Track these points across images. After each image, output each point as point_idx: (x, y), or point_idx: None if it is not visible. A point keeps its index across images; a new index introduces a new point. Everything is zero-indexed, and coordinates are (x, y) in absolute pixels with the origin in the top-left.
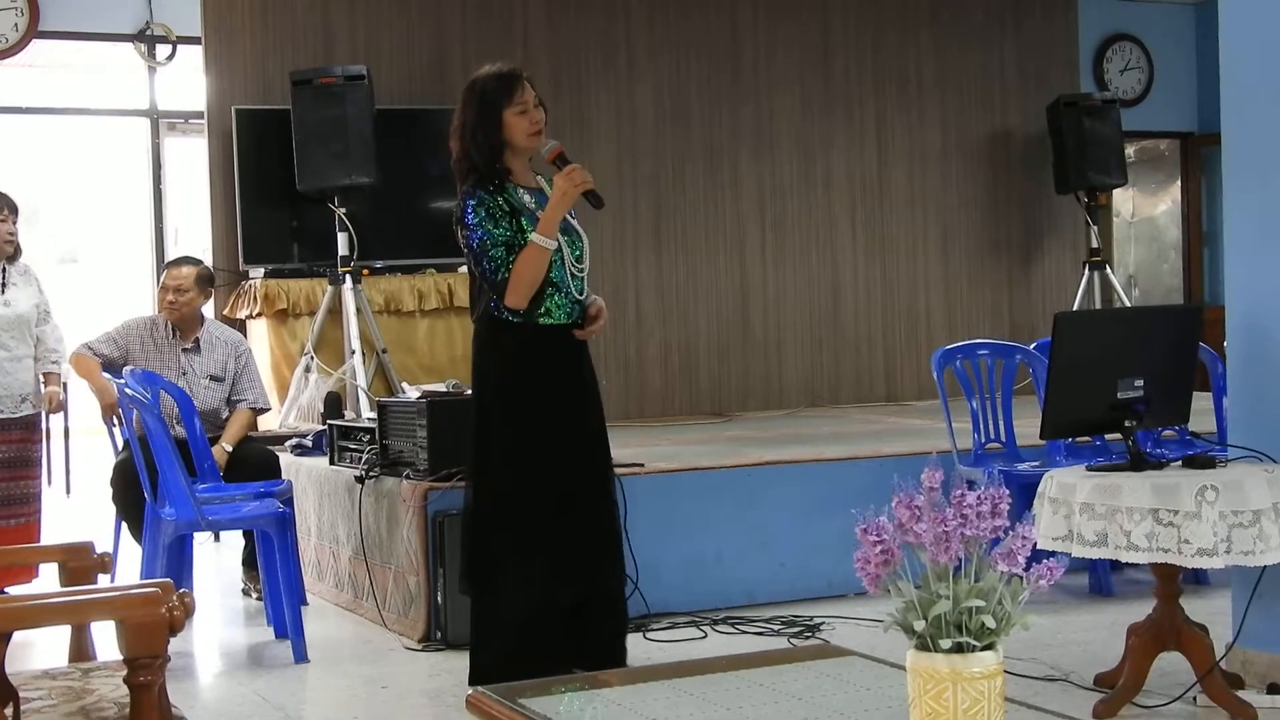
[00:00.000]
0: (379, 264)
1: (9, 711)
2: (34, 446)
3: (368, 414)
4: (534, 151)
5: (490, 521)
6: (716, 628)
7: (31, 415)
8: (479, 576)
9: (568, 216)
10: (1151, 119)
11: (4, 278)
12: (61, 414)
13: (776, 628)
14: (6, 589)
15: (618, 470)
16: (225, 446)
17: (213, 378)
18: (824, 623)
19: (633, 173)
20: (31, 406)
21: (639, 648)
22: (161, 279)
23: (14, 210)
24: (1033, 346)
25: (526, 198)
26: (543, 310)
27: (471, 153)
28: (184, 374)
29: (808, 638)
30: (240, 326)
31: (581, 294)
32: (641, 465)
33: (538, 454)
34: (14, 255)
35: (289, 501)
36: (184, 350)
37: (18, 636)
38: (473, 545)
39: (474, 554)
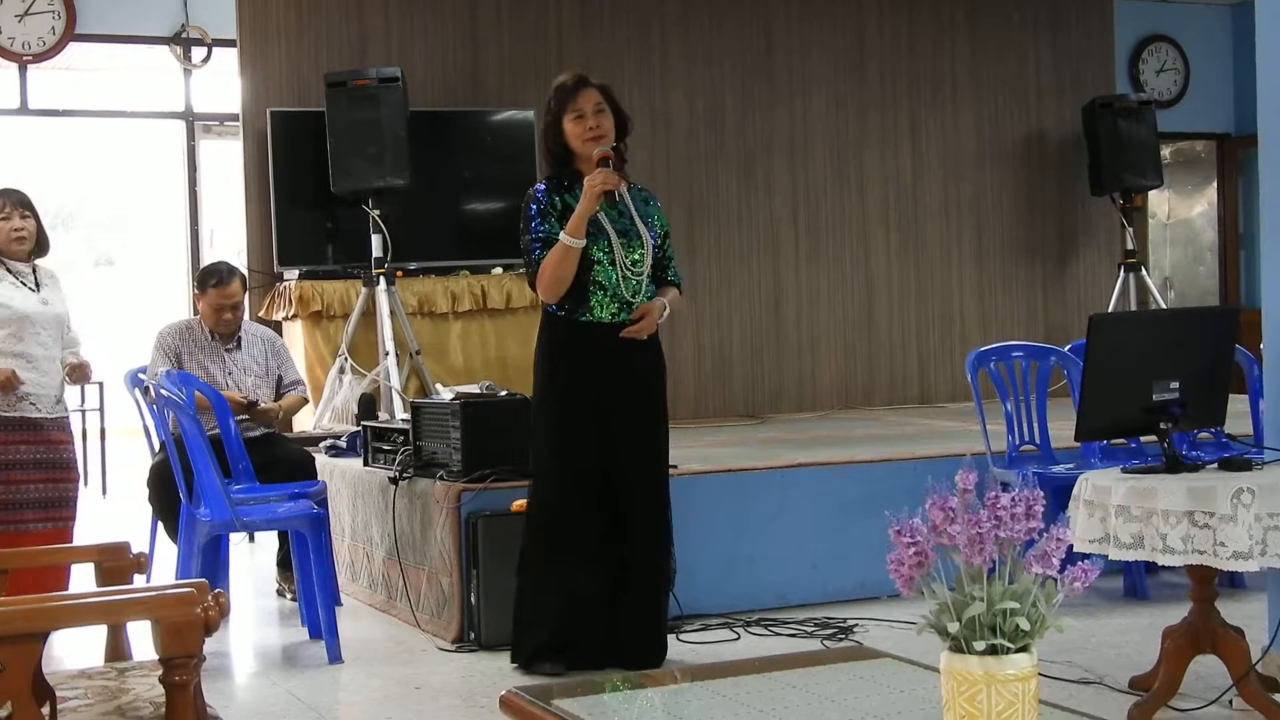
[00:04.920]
0: (413, 266)
1: (46, 710)
2: (71, 448)
3: (401, 415)
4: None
5: (531, 508)
6: (749, 629)
7: (64, 417)
8: (520, 561)
9: (636, 221)
10: (1187, 120)
11: (35, 277)
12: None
13: (809, 629)
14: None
15: None
16: (278, 408)
17: (257, 374)
18: (857, 625)
19: (666, 175)
20: (65, 408)
21: (671, 649)
22: (207, 296)
23: (23, 205)
24: (1067, 349)
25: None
26: (585, 308)
27: (545, 158)
28: (230, 373)
29: (841, 640)
30: (276, 328)
31: (635, 295)
32: (675, 466)
33: (572, 448)
34: (35, 252)
35: (323, 502)
36: (227, 350)
37: (55, 636)
38: (523, 531)
39: (523, 539)
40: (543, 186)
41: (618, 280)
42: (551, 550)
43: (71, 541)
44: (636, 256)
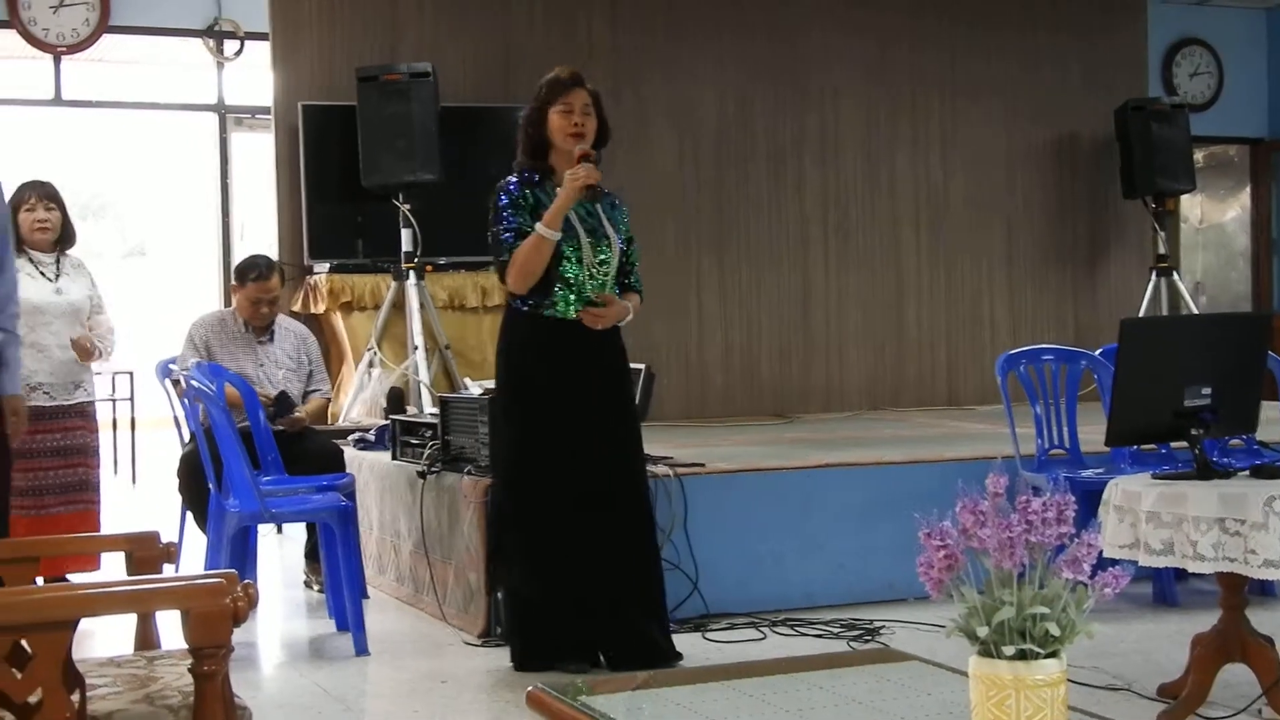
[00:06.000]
0: (442, 260)
1: (75, 698)
2: (91, 435)
3: (430, 409)
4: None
5: (496, 511)
6: (775, 629)
7: (86, 403)
8: (491, 568)
9: (604, 222)
10: (1221, 124)
11: (57, 267)
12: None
13: (836, 630)
14: (68, 576)
15: (679, 470)
16: (305, 415)
17: (288, 367)
18: (883, 626)
19: (695, 175)
20: (86, 393)
21: (697, 647)
22: (245, 289)
23: (48, 197)
24: (1098, 353)
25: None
26: (549, 304)
27: (523, 146)
28: (262, 365)
29: (867, 641)
30: (311, 321)
31: (597, 295)
32: (702, 465)
33: (534, 447)
34: (60, 243)
35: (351, 495)
36: (260, 342)
37: (85, 624)
38: (491, 531)
39: (489, 545)
40: (514, 179)
41: (584, 279)
42: (529, 549)
43: (99, 522)
44: (603, 257)
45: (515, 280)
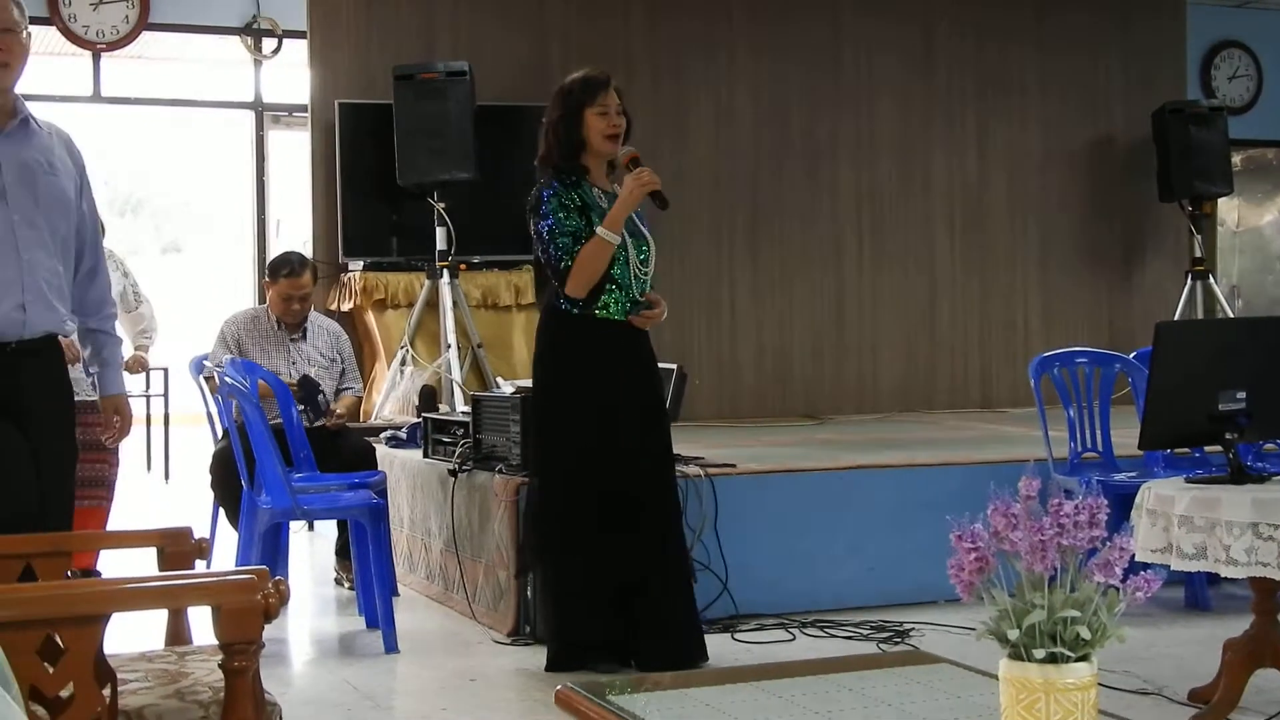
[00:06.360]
0: (476, 259)
1: (107, 692)
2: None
3: (462, 408)
4: (611, 155)
5: (537, 509)
6: (805, 630)
7: None
8: (526, 560)
9: (637, 222)
10: (1259, 127)
11: None
12: (143, 375)
13: (865, 632)
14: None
15: (710, 470)
16: (345, 413)
17: (321, 364)
18: (913, 628)
19: (730, 172)
20: None
21: (727, 648)
22: (278, 285)
23: None
24: (1132, 356)
25: (600, 197)
26: (600, 304)
27: (554, 148)
28: (294, 362)
29: (897, 643)
30: (344, 318)
31: (642, 295)
32: (733, 465)
33: (571, 448)
34: None
35: (383, 493)
36: (292, 340)
37: (116, 619)
38: (524, 530)
39: (524, 539)
40: (555, 182)
41: (629, 279)
42: (560, 549)
43: (107, 519)
44: (644, 257)
45: (576, 285)
